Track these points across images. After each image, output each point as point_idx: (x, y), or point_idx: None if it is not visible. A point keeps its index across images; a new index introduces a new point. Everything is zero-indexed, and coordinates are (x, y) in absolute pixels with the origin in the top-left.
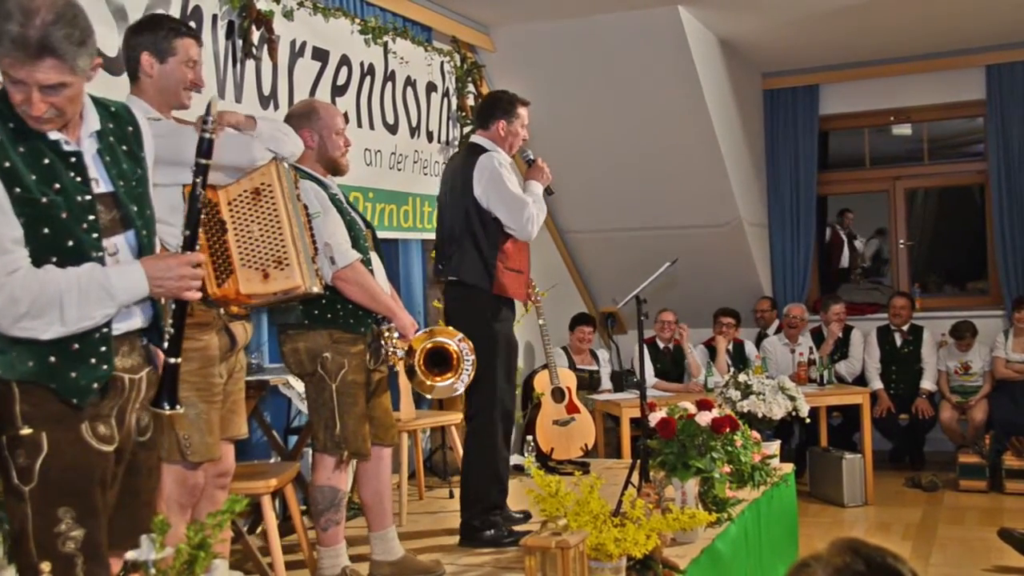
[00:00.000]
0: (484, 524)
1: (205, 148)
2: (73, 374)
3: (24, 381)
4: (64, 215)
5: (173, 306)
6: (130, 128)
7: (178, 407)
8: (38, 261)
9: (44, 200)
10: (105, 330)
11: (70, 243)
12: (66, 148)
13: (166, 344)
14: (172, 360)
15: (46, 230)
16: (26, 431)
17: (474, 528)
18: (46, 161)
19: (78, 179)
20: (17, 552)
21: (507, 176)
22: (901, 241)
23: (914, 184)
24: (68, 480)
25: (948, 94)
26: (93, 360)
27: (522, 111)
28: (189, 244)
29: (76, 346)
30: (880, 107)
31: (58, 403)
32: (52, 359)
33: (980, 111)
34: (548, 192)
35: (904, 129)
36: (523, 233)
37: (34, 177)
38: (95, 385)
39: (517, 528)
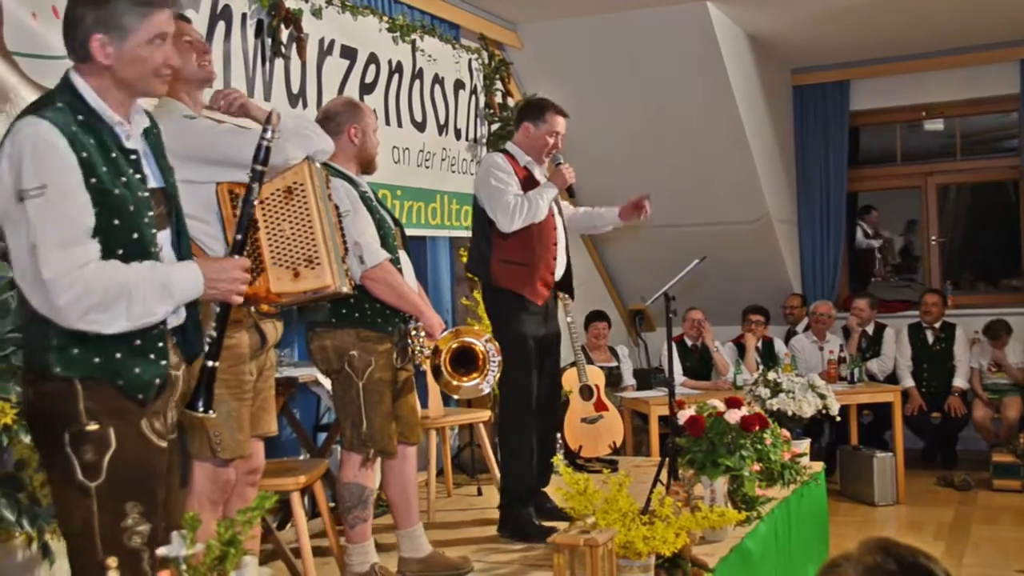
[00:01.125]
0: (513, 514)
1: (263, 156)
2: (137, 370)
3: (88, 378)
4: (131, 208)
5: (217, 309)
6: (155, 130)
7: (211, 412)
8: (105, 253)
9: (116, 192)
10: (162, 326)
11: (135, 236)
12: (127, 144)
13: (206, 347)
14: (211, 363)
15: (116, 221)
16: (93, 427)
17: (505, 518)
18: (113, 155)
19: (137, 175)
20: (79, 548)
21: (495, 172)
22: (933, 238)
23: (946, 180)
24: (135, 476)
25: (981, 89)
26: (152, 355)
27: (552, 118)
28: (239, 248)
29: (138, 342)
30: (912, 102)
31: (121, 399)
32: (118, 355)
33: (1013, 106)
34: (569, 193)
35: (936, 124)
36: (500, 223)
37: (104, 169)
38: (157, 380)
39: (548, 524)
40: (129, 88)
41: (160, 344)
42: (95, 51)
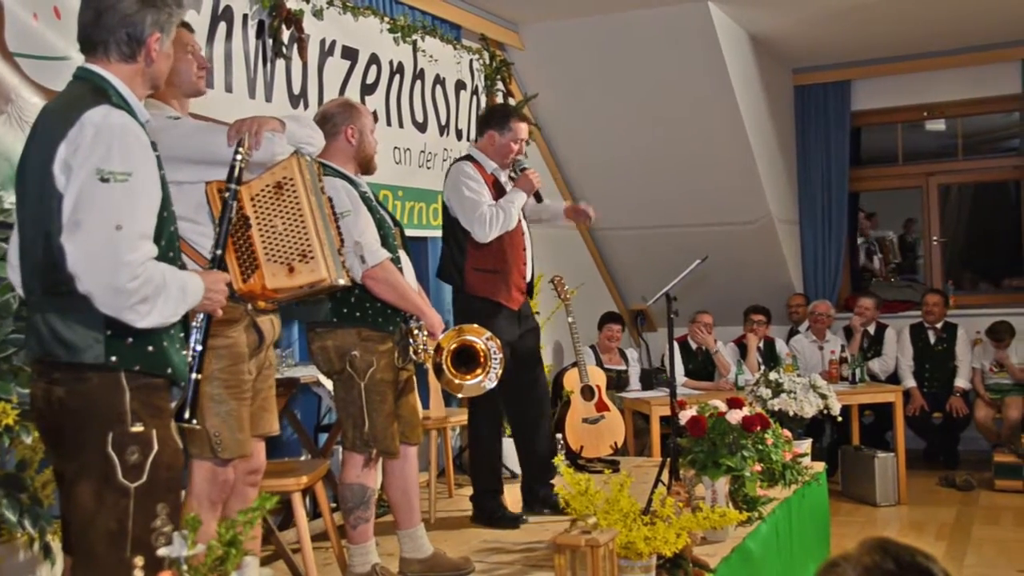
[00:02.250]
0: (483, 505)
1: (236, 175)
2: (175, 358)
3: (138, 371)
4: (171, 200)
5: (203, 323)
6: None
7: (194, 422)
8: (155, 240)
9: (164, 184)
10: (181, 320)
11: (172, 228)
12: (155, 150)
13: (190, 358)
14: (196, 375)
15: (165, 213)
16: (138, 428)
17: (476, 509)
18: (156, 154)
19: (162, 172)
20: (105, 548)
21: (466, 182)
22: (935, 238)
23: (948, 180)
24: (168, 477)
25: (983, 89)
26: (177, 345)
27: (516, 126)
28: (219, 262)
29: (172, 331)
30: (913, 102)
31: (159, 396)
32: (164, 343)
33: (1016, 106)
34: (537, 199)
35: (938, 124)
36: (476, 234)
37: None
38: (185, 368)
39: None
40: (153, 83)
41: (182, 335)
42: (152, 49)
